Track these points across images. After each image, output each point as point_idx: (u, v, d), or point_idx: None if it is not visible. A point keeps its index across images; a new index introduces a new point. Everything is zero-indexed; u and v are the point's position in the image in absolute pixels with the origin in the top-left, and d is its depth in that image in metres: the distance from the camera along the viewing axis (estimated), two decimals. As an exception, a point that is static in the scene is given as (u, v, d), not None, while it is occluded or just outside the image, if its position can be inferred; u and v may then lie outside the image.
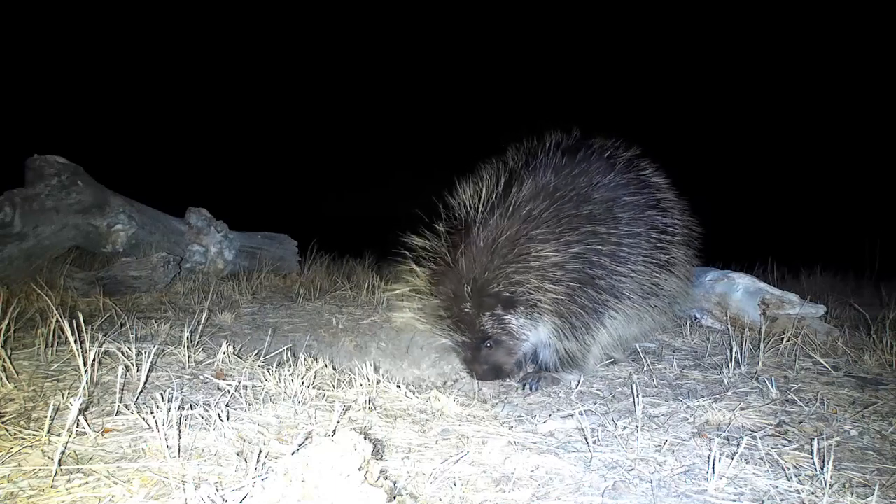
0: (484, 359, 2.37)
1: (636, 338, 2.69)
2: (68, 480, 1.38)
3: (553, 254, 2.25)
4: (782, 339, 2.81)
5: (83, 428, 1.61)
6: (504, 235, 2.29)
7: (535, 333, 2.39)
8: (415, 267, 2.41)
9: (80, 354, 1.93)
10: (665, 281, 2.52)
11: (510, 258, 2.26)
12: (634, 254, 2.40)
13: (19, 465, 1.44)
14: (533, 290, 2.26)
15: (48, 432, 1.56)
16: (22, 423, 1.66)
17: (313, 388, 2.13)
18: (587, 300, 2.31)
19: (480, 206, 2.38)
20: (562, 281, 2.27)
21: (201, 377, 2.16)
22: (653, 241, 2.47)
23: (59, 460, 1.42)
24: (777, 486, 1.52)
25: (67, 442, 1.51)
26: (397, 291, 2.48)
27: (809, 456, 1.62)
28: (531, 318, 2.32)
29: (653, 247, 2.47)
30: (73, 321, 2.10)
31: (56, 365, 2.13)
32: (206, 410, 1.78)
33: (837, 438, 1.85)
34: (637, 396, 2.08)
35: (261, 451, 1.57)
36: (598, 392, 2.33)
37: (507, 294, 2.27)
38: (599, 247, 2.33)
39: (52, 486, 1.36)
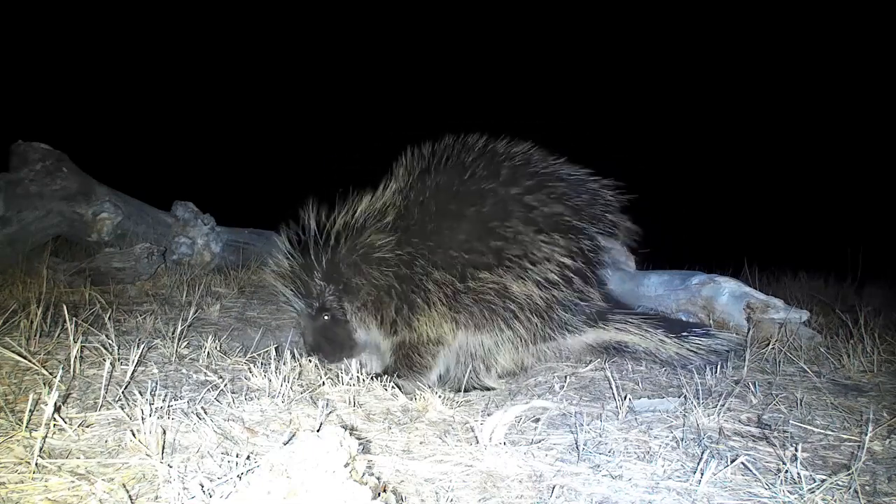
0: (317, 331, 2.48)
1: (505, 360, 2.51)
2: (47, 475, 1.36)
3: (380, 252, 2.41)
4: (767, 343, 2.83)
5: (62, 422, 1.59)
6: (359, 232, 2.45)
7: (364, 332, 2.50)
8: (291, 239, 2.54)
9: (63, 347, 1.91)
10: (509, 287, 2.36)
11: (356, 249, 2.43)
12: (445, 259, 2.36)
13: (-1, 458, 1.42)
14: (359, 281, 2.43)
15: (27, 426, 1.54)
16: (2, 415, 1.63)
17: (299, 384, 2.12)
18: (400, 298, 2.40)
19: (351, 209, 2.52)
20: (378, 277, 2.40)
21: (186, 372, 2.14)
22: (481, 248, 2.37)
23: (38, 455, 1.40)
24: (757, 491, 1.53)
25: (45, 436, 1.49)
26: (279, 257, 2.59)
27: (790, 461, 1.64)
28: (359, 310, 2.46)
29: (479, 253, 2.37)
30: (57, 313, 2.07)
31: (39, 357, 2.10)
32: (190, 405, 1.76)
33: (817, 444, 1.88)
34: (623, 399, 2.09)
35: (245, 447, 1.56)
36: (582, 393, 2.34)
37: (347, 278, 2.44)
38: (415, 250, 2.39)
39: (31, 480, 1.34)
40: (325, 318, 2.48)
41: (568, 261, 2.41)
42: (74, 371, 1.98)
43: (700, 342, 2.47)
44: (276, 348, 2.35)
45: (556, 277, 2.39)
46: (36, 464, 1.38)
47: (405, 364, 2.44)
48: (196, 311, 2.86)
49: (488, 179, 2.46)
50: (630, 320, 2.52)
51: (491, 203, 2.42)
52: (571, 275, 2.42)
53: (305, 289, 2.47)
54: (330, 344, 2.47)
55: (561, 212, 2.46)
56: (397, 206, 2.48)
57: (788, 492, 1.51)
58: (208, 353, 2.31)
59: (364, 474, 1.20)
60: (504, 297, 2.37)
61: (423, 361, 2.43)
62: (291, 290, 2.50)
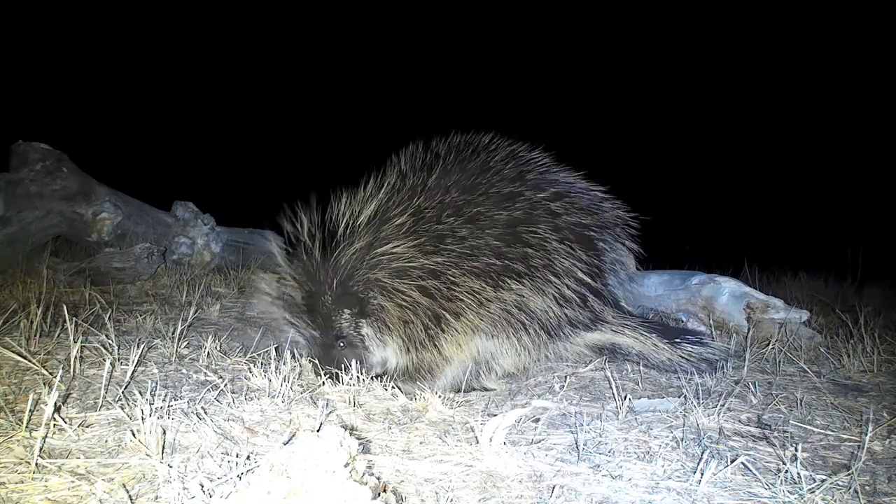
0: (334, 359, 2.31)
1: (506, 364, 2.46)
2: (47, 475, 1.36)
3: (401, 262, 2.24)
4: (767, 343, 2.83)
5: (62, 422, 1.59)
6: (369, 241, 2.27)
7: (381, 350, 2.37)
8: (285, 258, 2.37)
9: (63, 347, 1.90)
10: (529, 300, 2.31)
11: (369, 262, 2.26)
12: (481, 267, 2.26)
13: (-1, 458, 1.42)
14: (381, 300, 2.26)
15: (27, 426, 1.54)
16: (2, 415, 1.63)
17: (299, 384, 2.12)
18: (427, 314, 2.26)
19: (356, 211, 2.34)
20: (404, 292, 2.25)
21: (186, 372, 2.14)
22: (512, 255, 2.29)
23: (38, 455, 1.40)
24: (757, 491, 1.53)
25: (45, 436, 1.49)
26: (265, 277, 2.43)
27: (790, 461, 1.64)
28: (380, 331, 2.32)
29: (510, 260, 2.29)
30: (57, 313, 2.07)
31: (39, 357, 2.10)
32: (190, 405, 1.76)
33: (817, 444, 1.88)
34: (623, 399, 2.09)
35: (245, 447, 1.56)
36: (582, 393, 2.33)
37: (362, 297, 2.27)
38: (447, 259, 2.25)
39: (31, 480, 1.34)
40: (341, 345, 2.32)
41: (587, 279, 2.38)
42: (74, 371, 1.98)
43: (692, 349, 2.48)
44: (276, 348, 2.35)
45: (572, 295, 2.36)
46: (36, 464, 1.38)
47: (416, 377, 2.37)
48: (196, 311, 2.86)
49: (515, 182, 2.39)
50: (627, 323, 2.51)
51: (520, 207, 2.34)
52: (588, 294, 2.39)
53: (315, 317, 2.30)
54: (345, 366, 2.30)
55: (587, 223, 2.44)
56: (412, 208, 2.30)
57: (788, 492, 1.51)
58: (208, 353, 2.31)
59: (364, 474, 1.20)
60: (521, 309, 2.31)
61: (435, 379, 2.39)
62: (302, 320, 2.34)
